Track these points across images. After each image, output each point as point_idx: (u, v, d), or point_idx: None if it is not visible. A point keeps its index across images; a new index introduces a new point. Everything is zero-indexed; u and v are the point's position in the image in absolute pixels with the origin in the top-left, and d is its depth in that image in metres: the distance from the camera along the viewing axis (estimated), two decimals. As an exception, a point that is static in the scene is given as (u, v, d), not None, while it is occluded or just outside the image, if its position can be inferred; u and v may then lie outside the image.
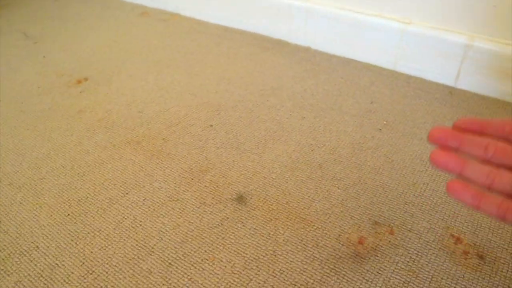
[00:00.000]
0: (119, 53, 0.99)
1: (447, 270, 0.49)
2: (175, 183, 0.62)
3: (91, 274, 0.51)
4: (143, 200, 0.60)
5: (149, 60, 0.95)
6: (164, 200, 0.59)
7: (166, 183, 0.62)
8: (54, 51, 1.02)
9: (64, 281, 0.50)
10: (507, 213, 0.26)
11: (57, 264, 0.52)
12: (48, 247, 0.54)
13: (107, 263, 0.52)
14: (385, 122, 0.73)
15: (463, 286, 0.48)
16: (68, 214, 0.58)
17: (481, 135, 0.30)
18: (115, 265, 0.51)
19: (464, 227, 0.55)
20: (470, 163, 0.29)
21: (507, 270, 0.49)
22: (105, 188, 0.62)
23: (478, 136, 0.30)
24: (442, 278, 0.49)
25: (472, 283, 0.48)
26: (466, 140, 0.29)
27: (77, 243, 0.54)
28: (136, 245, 0.54)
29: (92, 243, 0.54)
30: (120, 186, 0.62)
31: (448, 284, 0.48)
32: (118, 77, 0.89)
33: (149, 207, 0.59)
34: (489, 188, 0.27)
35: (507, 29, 0.76)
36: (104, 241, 0.54)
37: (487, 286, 0.48)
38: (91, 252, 0.53)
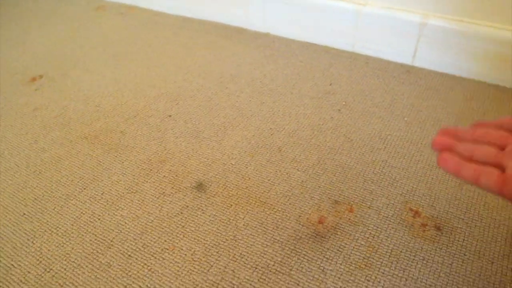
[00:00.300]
0: (75, 48, 0.97)
1: (406, 243, 0.50)
2: (133, 175, 0.61)
3: (48, 272, 0.49)
4: (101, 194, 0.58)
5: (106, 54, 0.93)
6: (123, 193, 0.58)
7: (124, 175, 0.61)
8: (7, 50, 0.99)
9: (21, 281, 0.48)
10: (480, 176, 0.31)
11: (12, 265, 0.50)
12: (3, 248, 0.52)
13: (65, 260, 0.50)
14: (344, 103, 0.73)
15: (421, 258, 0.48)
16: (24, 214, 0.57)
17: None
18: (73, 261, 0.50)
19: (422, 201, 0.55)
20: (459, 143, 0.35)
21: (463, 239, 0.50)
22: (62, 185, 0.60)
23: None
24: (401, 252, 0.49)
25: (430, 254, 0.49)
26: (460, 132, 0.36)
27: (34, 242, 0.53)
28: (95, 239, 0.53)
29: (49, 241, 0.53)
30: (77, 182, 0.61)
31: (407, 256, 0.49)
32: (74, 73, 0.87)
33: (107, 200, 0.57)
34: (470, 160, 0.33)
35: (459, 6, 0.77)
36: (62, 238, 0.53)
37: (444, 255, 0.49)
38: (49, 250, 0.52)
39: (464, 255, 0.48)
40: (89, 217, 0.55)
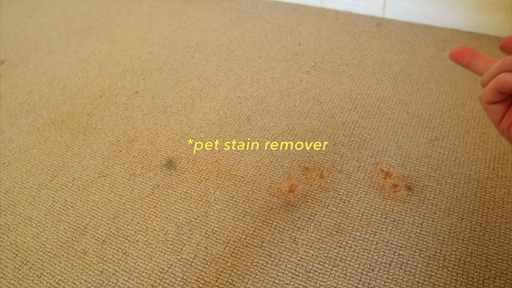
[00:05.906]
0: (35, 29, 0.93)
1: (376, 206, 0.50)
2: (103, 158, 0.60)
3: (25, 264, 0.49)
4: (72, 180, 0.58)
5: (67, 31, 0.90)
6: (94, 177, 0.58)
7: (94, 159, 0.60)
8: (-34, 36, 0.95)
9: (-2, 276, 0.49)
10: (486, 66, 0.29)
11: (-12, 260, 0.50)
12: (-23, 244, 0.52)
13: (41, 251, 0.50)
14: (313, 63, 0.72)
15: (392, 219, 0.49)
16: (-4, 207, 0.56)
17: None
18: (49, 251, 0.50)
19: (393, 161, 0.55)
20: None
21: (434, 197, 0.51)
22: (32, 175, 0.60)
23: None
24: (372, 215, 0.49)
25: (401, 215, 0.49)
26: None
27: (8, 235, 0.53)
28: (69, 227, 0.52)
29: (24, 233, 0.53)
30: (48, 170, 0.60)
31: (378, 219, 0.49)
32: (37, 55, 0.84)
33: (78, 187, 0.57)
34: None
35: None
36: (36, 229, 0.53)
37: (415, 215, 0.49)
38: (24, 242, 0.52)
39: (435, 213, 0.49)
40: (62, 205, 0.55)
